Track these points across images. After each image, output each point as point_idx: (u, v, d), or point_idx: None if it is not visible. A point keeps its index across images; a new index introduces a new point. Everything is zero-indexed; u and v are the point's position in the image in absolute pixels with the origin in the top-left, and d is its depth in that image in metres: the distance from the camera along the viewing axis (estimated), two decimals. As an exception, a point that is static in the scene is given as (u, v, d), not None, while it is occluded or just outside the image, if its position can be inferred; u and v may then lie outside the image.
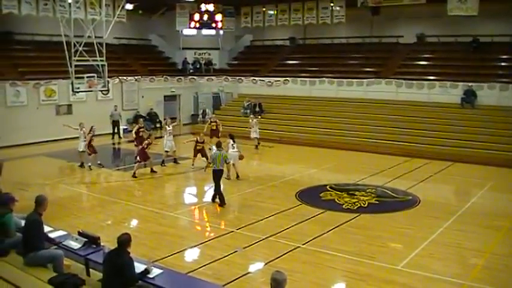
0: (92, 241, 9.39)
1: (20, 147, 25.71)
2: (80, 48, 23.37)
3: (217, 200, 16.22)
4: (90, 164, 21.56)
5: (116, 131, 30.38)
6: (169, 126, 22.86)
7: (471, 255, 11.95)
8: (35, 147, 26.01)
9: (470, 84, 26.88)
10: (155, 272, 8.28)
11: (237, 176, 19.85)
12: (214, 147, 18.07)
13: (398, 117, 27.53)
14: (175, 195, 18.14)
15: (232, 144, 20.17)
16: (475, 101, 26.63)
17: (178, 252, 12.08)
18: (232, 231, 13.61)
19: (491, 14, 27.35)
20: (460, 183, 20.46)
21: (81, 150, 21.57)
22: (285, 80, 34.08)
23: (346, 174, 21.19)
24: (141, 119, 24.78)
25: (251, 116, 28.38)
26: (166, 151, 22.44)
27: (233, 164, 19.46)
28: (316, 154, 25.57)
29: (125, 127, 32.11)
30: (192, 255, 12.22)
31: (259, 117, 31.50)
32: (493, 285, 10.20)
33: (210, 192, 18.97)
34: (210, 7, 35.38)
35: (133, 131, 23.06)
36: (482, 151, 23.04)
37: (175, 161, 22.64)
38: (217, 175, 16.14)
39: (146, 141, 20.65)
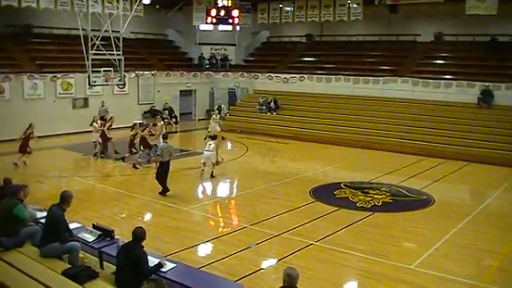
0: (106, 234, 9.46)
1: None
2: (97, 42, 23.46)
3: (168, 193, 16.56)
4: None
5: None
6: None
7: (485, 256, 11.87)
8: (51, 140, 26.17)
9: (487, 84, 26.64)
10: (168, 266, 8.33)
11: (212, 175, 19.30)
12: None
13: (414, 116, 27.39)
14: (189, 190, 18.18)
15: (209, 144, 19.42)
16: (492, 101, 26.39)
17: (191, 246, 12.12)
18: (245, 227, 13.64)
19: (510, 13, 27.03)
20: (476, 184, 20.31)
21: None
22: (300, 76, 34.00)
23: (361, 172, 21.12)
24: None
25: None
26: None
27: (212, 164, 19.30)
28: (331, 152, 25.52)
29: (141, 122, 32.19)
30: (205, 250, 12.26)
31: (275, 113, 31.56)
32: (507, 287, 10.13)
33: (225, 187, 19.15)
34: (227, 3, 35.36)
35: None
36: (498, 152, 22.85)
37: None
38: (164, 166, 16.46)
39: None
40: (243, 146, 25.82)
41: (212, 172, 19.32)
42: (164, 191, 16.54)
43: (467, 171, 21.48)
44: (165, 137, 17.37)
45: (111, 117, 23.76)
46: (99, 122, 23.42)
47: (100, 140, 22.72)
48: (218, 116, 27.38)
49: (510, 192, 18.32)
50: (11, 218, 9.15)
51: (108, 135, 22.80)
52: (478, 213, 15.26)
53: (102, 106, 29.05)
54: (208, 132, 25.17)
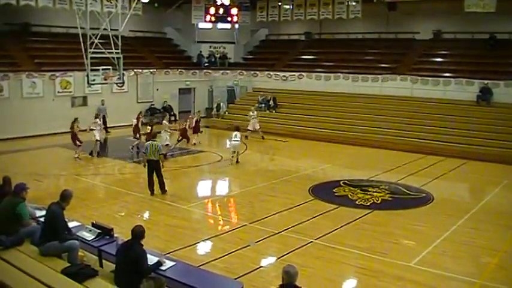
0: (105, 232, 9.45)
1: (35, 138, 25.90)
2: (96, 41, 23.48)
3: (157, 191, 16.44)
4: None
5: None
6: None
7: (484, 253, 11.87)
8: (50, 138, 26.18)
9: (486, 81, 26.65)
10: (167, 264, 8.33)
11: (237, 161, 21.40)
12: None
13: (413, 113, 27.41)
14: (188, 188, 18.19)
15: (235, 135, 21.24)
16: (491, 99, 26.39)
17: (190, 245, 12.13)
18: (245, 225, 13.64)
19: (509, 11, 27.03)
20: (475, 181, 20.31)
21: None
22: (299, 74, 34.02)
23: (360, 170, 21.12)
24: (200, 111, 29.89)
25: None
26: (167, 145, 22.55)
27: (237, 152, 21.46)
28: (330, 149, 25.52)
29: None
30: (204, 248, 12.27)
31: (274, 111, 31.55)
32: (506, 284, 10.13)
33: (224, 185, 19.20)
34: (226, 1, 35.33)
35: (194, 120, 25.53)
36: (497, 149, 22.85)
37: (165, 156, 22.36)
38: (150, 165, 16.29)
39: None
40: (242, 144, 25.78)
41: (237, 159, 21.40)
42: (163, 190, 16.44)
43: (466, 169, 21.49)
44: (154, 136, 17.30)
45: (140, 112, 24.08)
46: (100, 121, 23.32)
47: (137, 136, 23.18)
48: (255, 112, 27.89)
49: (509, 190, 18.36)
50: (13, 217, 9.16)
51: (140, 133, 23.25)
52: (477, 211, 15.27)
53: (103, 105, 28.95)
54: (251, 130, 26.95)
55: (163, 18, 38.19)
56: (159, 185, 16.42)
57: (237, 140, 21.24)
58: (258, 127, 27.19)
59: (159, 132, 22.14)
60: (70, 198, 9.24)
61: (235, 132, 21.37)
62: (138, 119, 23.96)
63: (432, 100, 27.92)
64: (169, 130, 22.68)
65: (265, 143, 26.74)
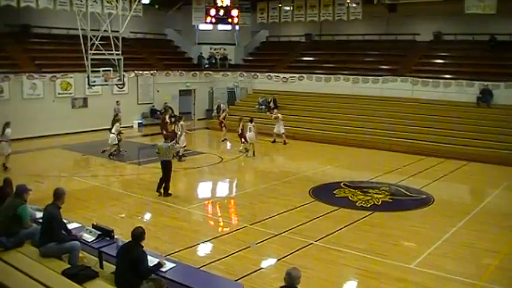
0: (105, 234, 9.45)
1: (35, 139, 25.89)
2: (96, 42, 23.44)
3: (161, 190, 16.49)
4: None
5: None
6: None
7: (485, 255, 11.87)
8: (50, 140, 26.17)
9: (486, 83, 26.64)
10: (168, 265, 8.33)
11: (253, 154, 23.12)
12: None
13: (413, 115, 27.39)
14: (189, 190, 18.20)
15: (249, 128, 23.14)
16: (491, 100, 26.38)
17: (191, 246, 12.12)
18: (245, 227, 13.64)
19: (509, 12, 27.04)
20: (475, 183, 20.32)
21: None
22: (300, 76, 34.01)
23: (360, 171, 21.13)
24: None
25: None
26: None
27: (252, 144, 23.21)
28: (330, 151, 25.51)
29: (140, 121, 32.24)
30: (205, 249, 12.26)
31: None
32: (507, 286, 10.14)
33: (224, 187, 19.20)
34: (227, 2, 35.34)
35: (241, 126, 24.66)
36: (497, 151, 22.84)
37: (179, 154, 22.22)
38: (163, 166, 16.36)
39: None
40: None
41: (253, 152, 23.23)
42: (166, 193, 16.38)
43: (467, 171, 21.49)
44: (165, 138, 17.40)
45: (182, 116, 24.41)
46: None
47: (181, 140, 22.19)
48: (279, 115, 27.48)
49: (509, 191, 18.37)
50: (14, 218, 9.17)
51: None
52: (477, 212, 15.26)
53: (118, 105, 28.93)
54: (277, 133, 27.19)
55: (164, 20, 38.21)
56: (164, 185, 16.43)
57: (252, 132, 23.02)
58: (283, 131, 26.92)
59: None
60: (64, 195, 9.27)
61: (249, 125, 23.14)
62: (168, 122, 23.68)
63: (432, 102, 27.90)
64: (185, 132, 22.53)
65: (265, 145, 26.72)
